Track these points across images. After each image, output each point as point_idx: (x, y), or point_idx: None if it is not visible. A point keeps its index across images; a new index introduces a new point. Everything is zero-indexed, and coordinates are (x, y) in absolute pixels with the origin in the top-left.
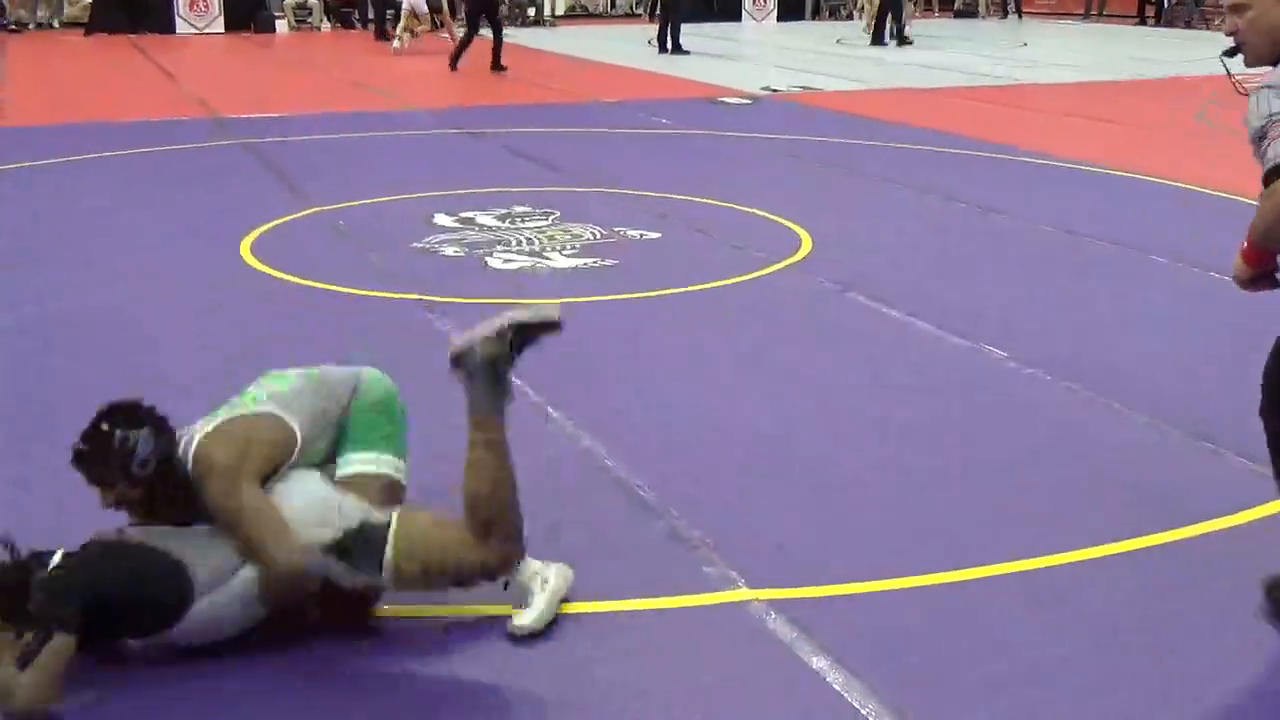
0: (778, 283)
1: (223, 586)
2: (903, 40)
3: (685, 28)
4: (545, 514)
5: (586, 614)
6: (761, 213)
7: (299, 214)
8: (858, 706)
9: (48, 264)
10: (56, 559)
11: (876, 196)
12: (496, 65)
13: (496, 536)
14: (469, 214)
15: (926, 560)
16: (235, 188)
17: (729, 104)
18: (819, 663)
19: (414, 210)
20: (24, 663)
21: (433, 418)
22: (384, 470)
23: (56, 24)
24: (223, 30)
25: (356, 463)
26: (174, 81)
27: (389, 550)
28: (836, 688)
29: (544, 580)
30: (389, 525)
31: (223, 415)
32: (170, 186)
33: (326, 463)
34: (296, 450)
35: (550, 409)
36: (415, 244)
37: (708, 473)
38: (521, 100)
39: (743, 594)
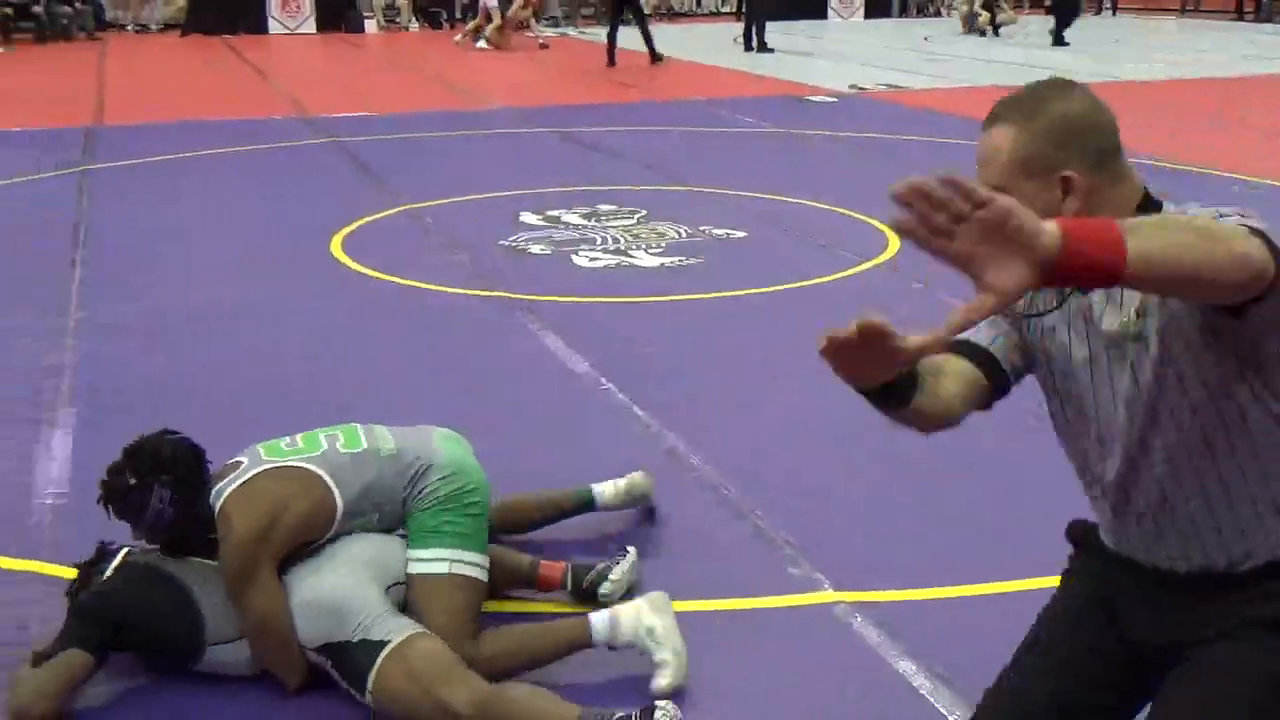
0: (864, 282)
1: (233, 644)
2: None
3: (771, 25)
4: (630, 514)
5: (676, 614)
6: (848, 212)
7: (388, 211)
8: (944, 713)
9: (145, 261)
10: (109, 571)
11: None
12: (655, 57)
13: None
14: (555, 212)
15: (1018, 565)
16: (326, 185)
17: (815, 102)
18: (905, 666)
19: (501, 208)
20: (37, 662)
21: (507, 425)
22: (455, 570)
23: (154, 25)
24: (314, 30)
25: (419, 561)
26: (266, 81)
27: (373, 675)
28: (923, 693)
29: (650, 629)
30: (384, 645)
31: (267, 465)
32: (263, 184)
33: (387, 531)
34: (335, 523)
35: (636, 408)
36: (502, 242)
37: (793, 474)
38: (607, 99)
39: (828, 595)
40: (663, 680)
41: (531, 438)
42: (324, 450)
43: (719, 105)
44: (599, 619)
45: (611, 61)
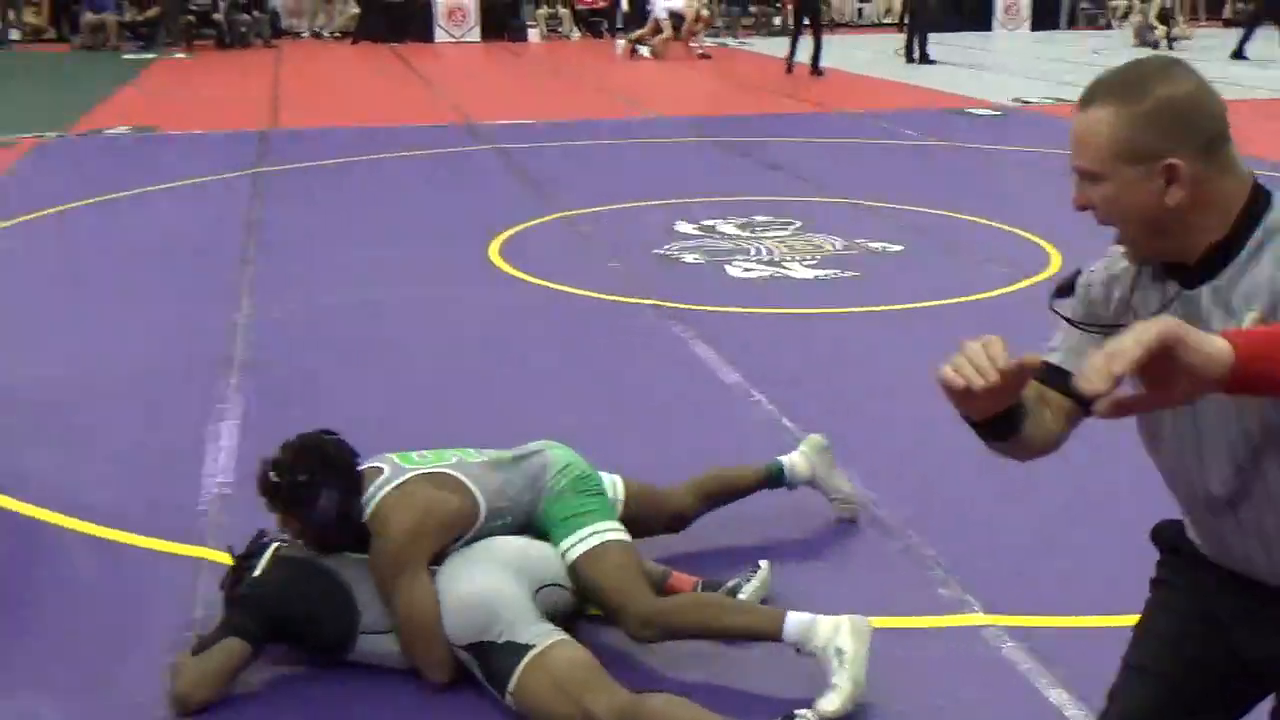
0: (1023, 300)
1: (386, 635)
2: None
3: (933, 37)
4: (777, 528)
5: None
6: (1008, 228)
7: (545, 218)
8: None
9: (314, 260)
10: (262, 564)
11: None
12: (816, 70)
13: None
14: (710, 222)
15: None
16: (486, 191)
17: (977, 115)
18: (1057, 696)
19: (656, 217)
20: (198, 650)
21: (655, 433)
22: (605, 540)
23: (327, 33)
24: (479, 39)
25: (572, 547)
26: (432, 88)
27: (515, 678)
28: None
29: (839, 650)
30: (529, 650)
31: (412, 471)
32: (427, 189)
33: (519, 532)
34: (479, 522)
35: (785, 420)
36: (656, 250)
37: (946, 493)
38: (765, 110)
39: (978, 619)
40: (828, 704)
41: (678, 447)
42: (456, 460)
43: (879, 117)
44: (796, 619)
45: (789, 69)
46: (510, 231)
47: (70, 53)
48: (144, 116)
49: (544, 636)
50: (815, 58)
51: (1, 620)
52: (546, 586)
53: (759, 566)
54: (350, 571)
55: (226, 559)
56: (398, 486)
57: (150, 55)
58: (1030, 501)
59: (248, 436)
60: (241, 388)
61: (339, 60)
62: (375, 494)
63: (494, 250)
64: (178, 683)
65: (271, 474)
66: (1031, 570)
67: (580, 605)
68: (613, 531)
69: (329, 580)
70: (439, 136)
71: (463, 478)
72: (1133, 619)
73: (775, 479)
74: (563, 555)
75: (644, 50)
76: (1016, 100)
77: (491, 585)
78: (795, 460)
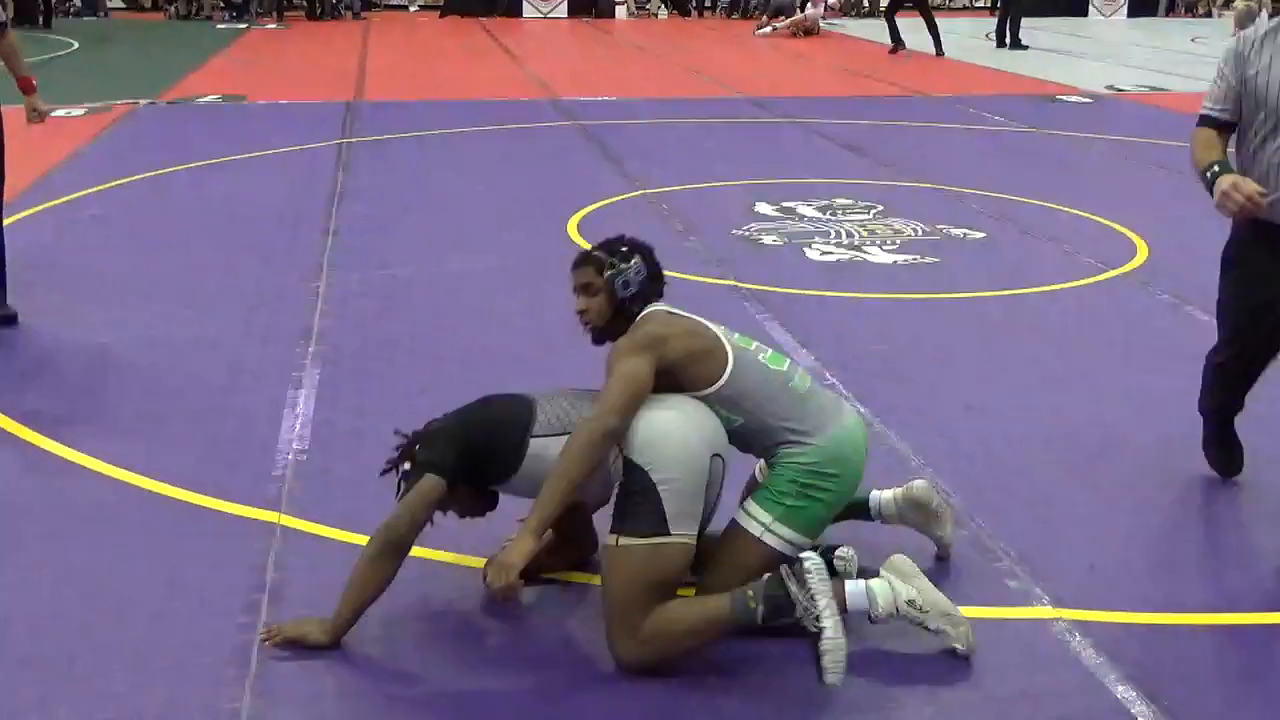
0: (1108, 291)
1: (553, 440)
2: None
3: (1026, 22)
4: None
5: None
6: (1096, 217)
7: (626, 195)
8: None
9: (394, 231)
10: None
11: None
12: (939, 51)
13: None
14: (790, 203)
15: (1252, 597)
16: (568, 168)
17: (1068, 102)
18: (1125, 692)
19: (737, 197)
20: (400, 496)
21: None
22: (763, 538)
23: (415, 6)
24: (566, 15)
25: (745, 513)
26: (518, 63)
27: (628, 539)
28: None
29: (910, 601)
30: (657, 534)
31: (696, 318)
32: (509, 164)
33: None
34: (708, 391)
35: (859, 405)
36: (735, 230)
37: (1019, 483)
38: (850, 92)
39: (1047, 612)
40: (956, 646)
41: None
42: (749, 347)
43: (966, 102)
44: (855, 587)
45: (896, 48)
46: (590, 208)
47: (165, 22)
48: (234, 85)
49: (675, 527)
50: (936, 40)
51: (79, 582)
52: (716, 455)
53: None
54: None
55: (300, 524)
56: (672, 311)
57: (242, 25)
58: (1106, 495)
59: (323, 405)
60: (319, 356)
61: (426, 33)
62: (656, 304)
63: (573, 226)
64: (384, 530)
65: (593, 249)
66: (1101, 563)
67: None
68: (776, 539)
69: (510, 398)
70: (523, 111)
71: (730, 352)
72: (1203, 617)
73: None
74: (741, 508)
75: (767, 30)
76: (1110, 88)
77: (687, 432)
78: (884, 496)
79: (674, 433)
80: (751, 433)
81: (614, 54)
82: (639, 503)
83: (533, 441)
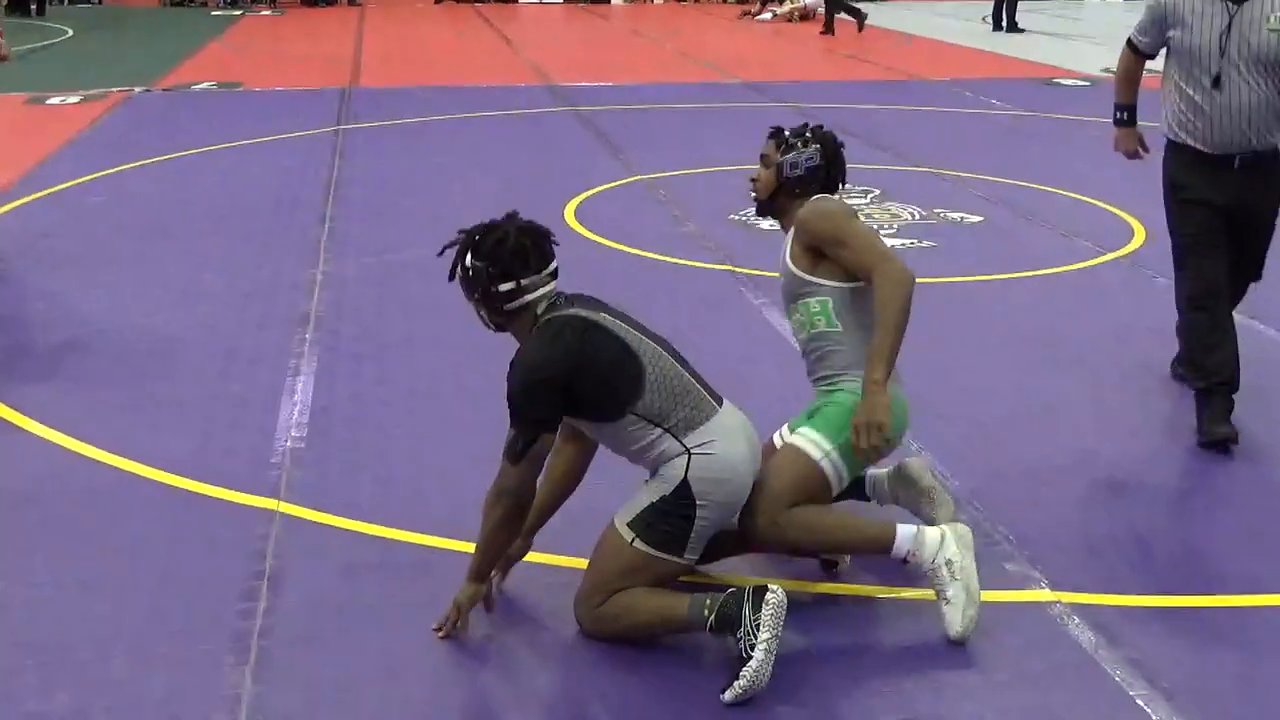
0: (1105, 275)
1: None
2: None
3: (1023, 4)
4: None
5: (879, 598)
6: (1093, 201)
7: (622, 181)
8: None
9: (391, 217)
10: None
11: None
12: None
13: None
14: None
15: (1251, 579)
16: (564, 153)
17: (1065, 85)
18: (1122, 674)
19: (732, 182)
20: (516, 458)
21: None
22: (822, 464)
23: None
24: (561, 0)
25: (802, 435)
26: (513, 49)
27: (644, 532)
28: (1140, 702)
29: (949, 562)
30: (666, 554)
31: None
32: (505, 150)
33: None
34: (856, 282)
35: None
36: (732, 216)
37: (1016, 467)
38: (845, 76)
39: (1045, 595)
40: (951, 624)
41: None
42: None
43: (962, 85)
44: (905, 532)
45: (861, 23)
46: (587, 194)
47: (160, 8)
48: (230, 72)
49: (690, 552)
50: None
51: (78, 569)
52: None
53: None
54: (619, 325)
55: (297, 511)
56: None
57: (237, 12)
58: (1106, 479)
59: (321, 391)
60: (316, 342)
61: (422, 19)
62: (829, 197)
63: (569, 212)
64: (506, 482)
65: (774, 133)
66: (1099, 548)
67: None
68: (832, 466)
69: (605, 333)
70: (519, 97)
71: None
72: (1200, 600)
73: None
74: (797, 431)
75: (766, 15)
76: (1106, 71)
77: (747, 473)
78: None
79: (738, 475)
80: (838, 347)
81: (610, 39)
82: (673, 523)
83: (629, 416)
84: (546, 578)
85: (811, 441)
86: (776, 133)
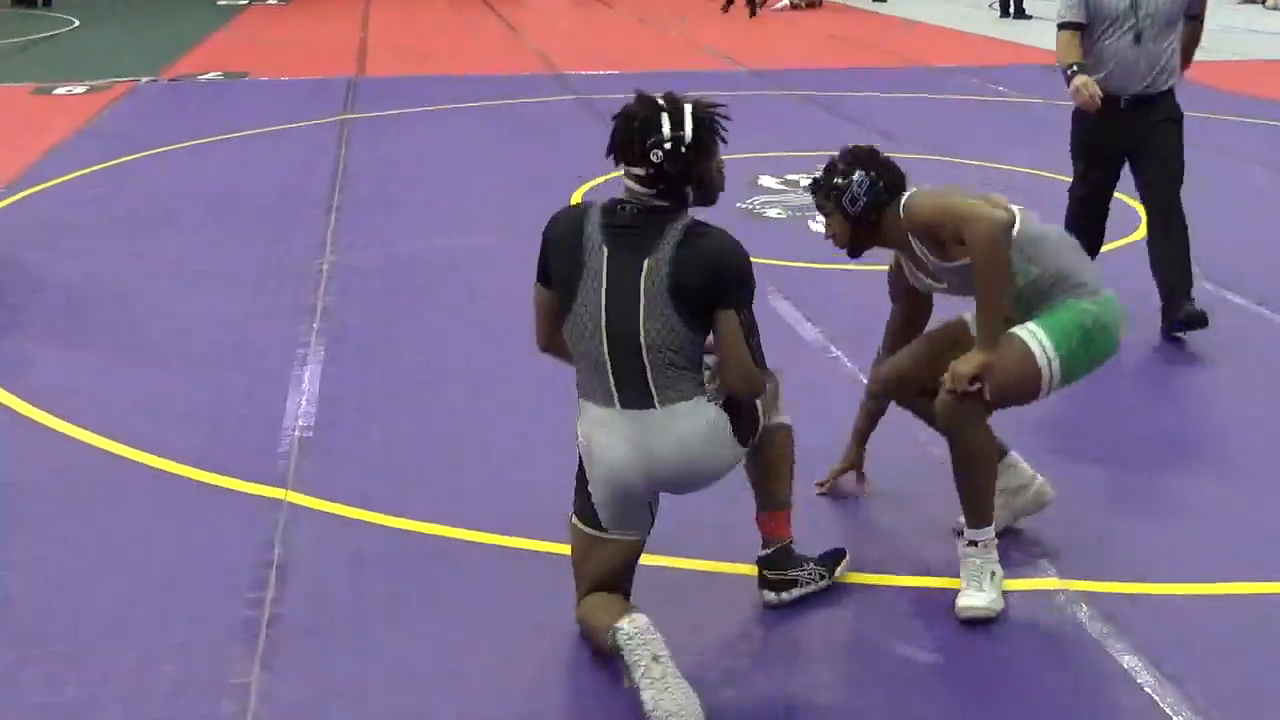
0: (1113, 262)
1: None
2: None
3: None
4: (851, 487)
5: (885, 587)
6: None
7: None
8: (1169, 713)
9: (398, 207)
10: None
11: (1234, 177)
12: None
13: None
14: (794, 176)
15: (1261, 568)
16: (571, 142)
17: None
18: (1130, 662)
19: (739, 171)
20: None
21: None
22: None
23: None
24: None
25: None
26: (519, 37)
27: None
28: (1148, 690)
29: (994, 574)
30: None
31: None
32: (511, 139)
33: None
34: (1014, 226)
35: (863, 378)
36: (739, 204)
37: (1023, 454)
38: (851, 64)
39: (1052, 582)
40: (970, 602)
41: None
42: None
43: (969, 73)
44: (1015, 454)
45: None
46: (594, 182)
47: None
48: (235, 62)
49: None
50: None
51: (86, 560)
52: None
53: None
54: None
55: (305, 500)
56: (938, 188)
57: (243, 1)
58: (1110, 466)
59: (329, 381)
60: (324, 333)
61: (427, 7)
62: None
63: (577, 201)
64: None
65: (820, 174)
66: (1105, 535)
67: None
68: (1049, 368)
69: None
70: (525, 86)
71: (1009, 204)
72: (1207, 588)
73: None
74: (1023, 326)
75: (783, 2)
76: None
77: (607, 464)
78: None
79: (602, 465)
80: (1044, 286)
81: (615, 26)
82: (580, 486)
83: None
84: (546, 571)
85: (1039, 343)
86: (815, 185)
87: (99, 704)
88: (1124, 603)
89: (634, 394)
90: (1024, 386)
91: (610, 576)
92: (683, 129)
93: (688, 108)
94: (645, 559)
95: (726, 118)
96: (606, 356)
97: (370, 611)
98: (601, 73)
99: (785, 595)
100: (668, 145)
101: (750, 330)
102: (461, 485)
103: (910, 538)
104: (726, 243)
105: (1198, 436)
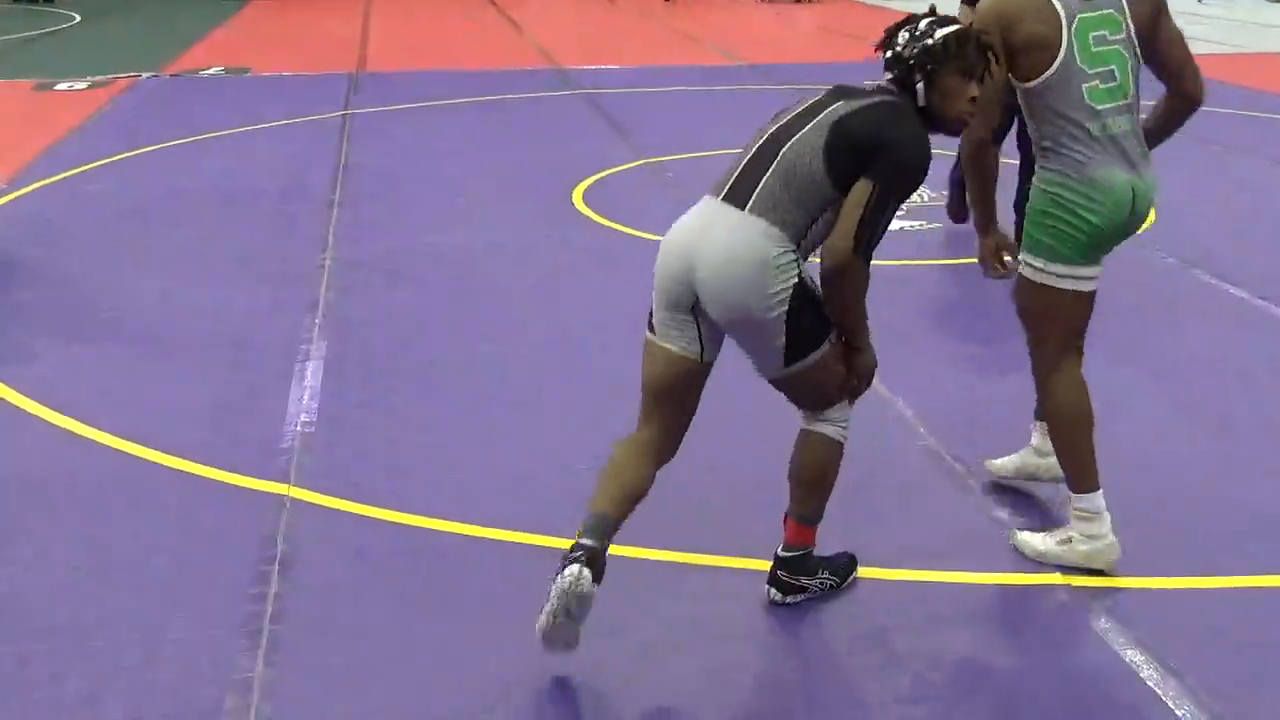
0: (1114, 255)
1: None
2: None
3: None
4: (854, 476)
5: (888, 581)
6: None
7: (630, 164)
8: (1173, 707)
9: (400, 202)
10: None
11: (1234, 169)
12: None
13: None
14: None
15: (1260, 560)
16: (572, 136)
17: None
18: (1133, 656)
19: None
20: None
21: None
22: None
23: None
24: None
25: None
26: (520, 32)
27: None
28: (1150, 684)
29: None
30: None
31: None
32: (513, 134)
33: None
34: (1036, 80)
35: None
36: None
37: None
38: (852, 58)
39: (1054, 578)
40: (1031, 543)
41: (748, 392)
42: (1086, 68)
43: None
44: (1094, 503)
45: None
46: (595, 177)
47: None
48: (237, 57)
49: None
50: None
51: (90, 555)
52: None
53: None
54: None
55: (308, 496)
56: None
57: None
58: (1112, 461)
59: (331, 377)
60: (326, 328)
61: (429, 3)
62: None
63: (578, 195)
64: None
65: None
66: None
67: None
68: (1029, 268)
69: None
70: (527, 81)
71: (1060, 57)
72: (1212, 581)
73: None
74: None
75: None
76: None
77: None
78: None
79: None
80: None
81: (616, 21)
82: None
83: None
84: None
85: (1030, 266)
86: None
87: (102, 698)
88: (1128, 597)
89: (738, 192)
90: (1026, 291)
91: (658, 387)
92: (934, 33)
93: (954, 26)
94: (644, 552)
95: (987, 48)
96: (752, 150)
97: (373, 607)
98: (604, 67)
99: (790, 599)
100: (915, 33)
101: (875, 212)
102: (464, 481)
103: (912, 530)
104: (909, 129)
105: (1197, 431)
